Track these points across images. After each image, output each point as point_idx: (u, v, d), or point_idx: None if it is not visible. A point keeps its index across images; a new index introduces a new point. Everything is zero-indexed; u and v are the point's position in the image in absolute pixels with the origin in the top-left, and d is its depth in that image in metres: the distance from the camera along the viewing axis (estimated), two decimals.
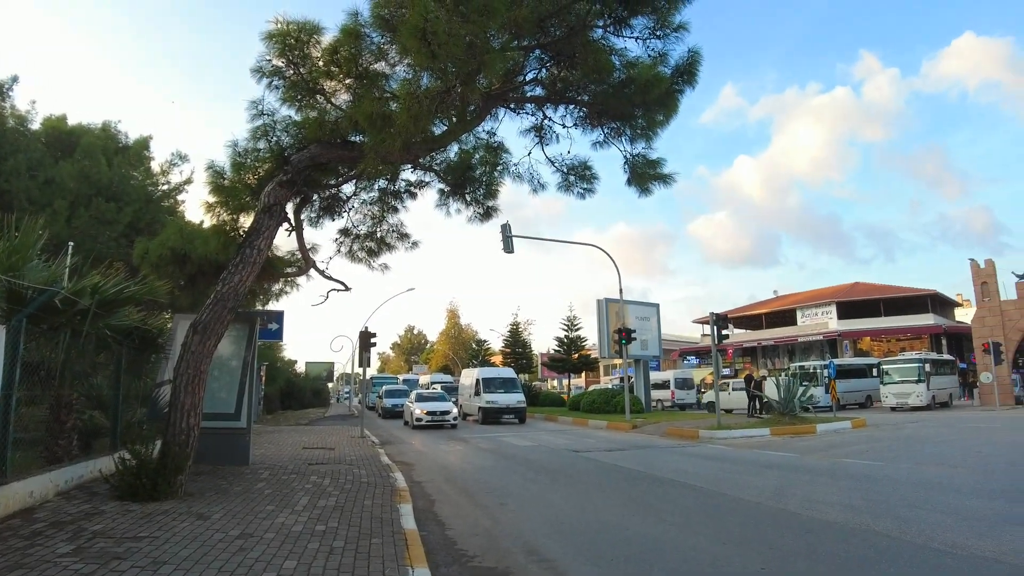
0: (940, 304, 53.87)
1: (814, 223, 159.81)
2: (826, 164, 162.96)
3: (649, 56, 9.36)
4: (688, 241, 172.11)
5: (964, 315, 55.88)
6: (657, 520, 7.18)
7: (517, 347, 50.27)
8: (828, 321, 53.40)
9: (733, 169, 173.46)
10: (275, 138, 9.86)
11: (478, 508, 8.17)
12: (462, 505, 8.43)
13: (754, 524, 6.84)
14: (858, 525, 6.53)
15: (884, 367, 35.48)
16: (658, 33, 9.18)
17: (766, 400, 24.11)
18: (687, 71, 9.36)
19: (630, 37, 9.28)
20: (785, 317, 57.89)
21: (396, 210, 12.52)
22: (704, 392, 36.38)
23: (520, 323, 52.89)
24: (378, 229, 12.57)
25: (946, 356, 41.14)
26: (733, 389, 34.98)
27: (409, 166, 11.23)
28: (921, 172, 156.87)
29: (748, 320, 61.98)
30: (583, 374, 62.15)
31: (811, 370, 36.12)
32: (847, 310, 52.99)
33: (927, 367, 33.88)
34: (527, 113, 10.66)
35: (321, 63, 9.02)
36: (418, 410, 23.99)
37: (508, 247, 22.39)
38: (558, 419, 27.84)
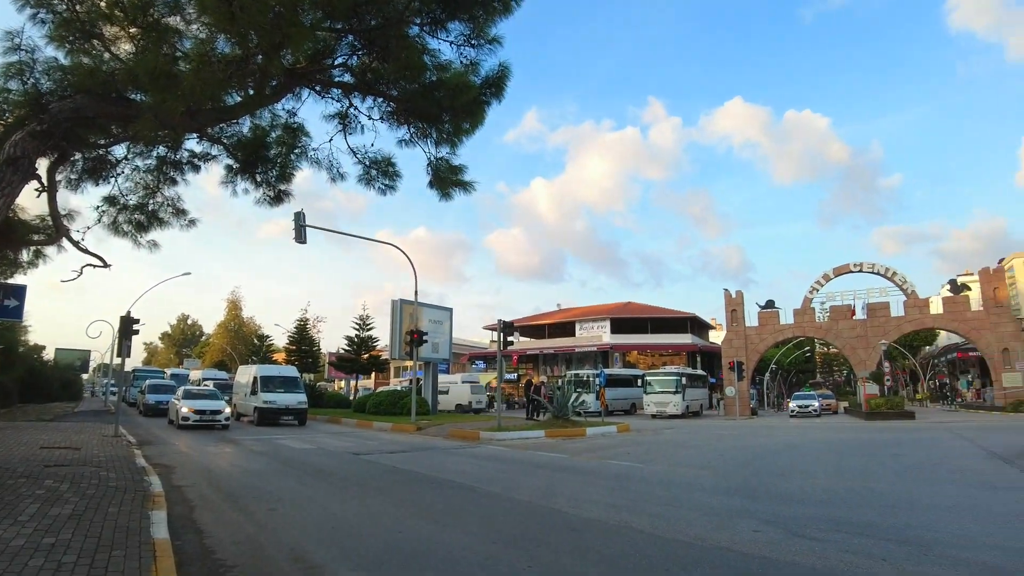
0: (698, 326, 61.06)
1: (596, 246, 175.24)
2: (611, 195, 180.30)
3: (462, 63, 9.41)
4: (484, 252, 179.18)
5: (716, 337, 63.78)
6: (432, 521, 7.17)
7: (303, 344, 48.00)
8: (602, 334, 58.04)
9: (530, 189, 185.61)
10: (32, 80, 8.45)
11: (244, 514, 7.58)
12: (226, 511, 7.78)
13: (525, 523, 7.09)
14: (619, 522, 7.04)
15: (648, 378, 39.29)
16: (473, 42, 9.26)
17: (544, 405, 25.43)
18: (496, 84, 9.55)
19: (446, 41, 9.27)
20: (565, 329, 61.93)
21: (174, 182, 11.30)
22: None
23: (309, 319, 50.75)
24: (151, 201, 11.25)
25: (699, 371, 46.59)
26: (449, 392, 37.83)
27: (195, 135, 10.22)
28: (690, 212, 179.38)
29: (533, 329, 65.32)
30: (372, 375, 61.15)
31: (585, 378, 38.98)
32: (620, 326, 58.03)
33: (683, 380, 38.15)
34: (333, 98, 10.20)
35: (103, 4, 7.89)
36: (185, 408, 21.89)
37: (300, 236, 21.33)
38: (342, 421, 27.03)
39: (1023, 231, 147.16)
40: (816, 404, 39.71)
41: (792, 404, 40.78)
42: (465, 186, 10.55)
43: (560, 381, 39.04)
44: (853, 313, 43.84)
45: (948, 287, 43.53)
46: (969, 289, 42.80)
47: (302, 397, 26.02)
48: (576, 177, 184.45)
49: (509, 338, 21.35)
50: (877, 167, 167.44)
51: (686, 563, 5.41)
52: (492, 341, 62.26)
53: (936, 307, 44.43)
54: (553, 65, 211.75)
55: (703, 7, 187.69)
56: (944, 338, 59.17)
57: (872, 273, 44.43)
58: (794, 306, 45.56)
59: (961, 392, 48.12)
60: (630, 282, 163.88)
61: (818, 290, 45.48)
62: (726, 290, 46.17)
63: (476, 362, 65.91)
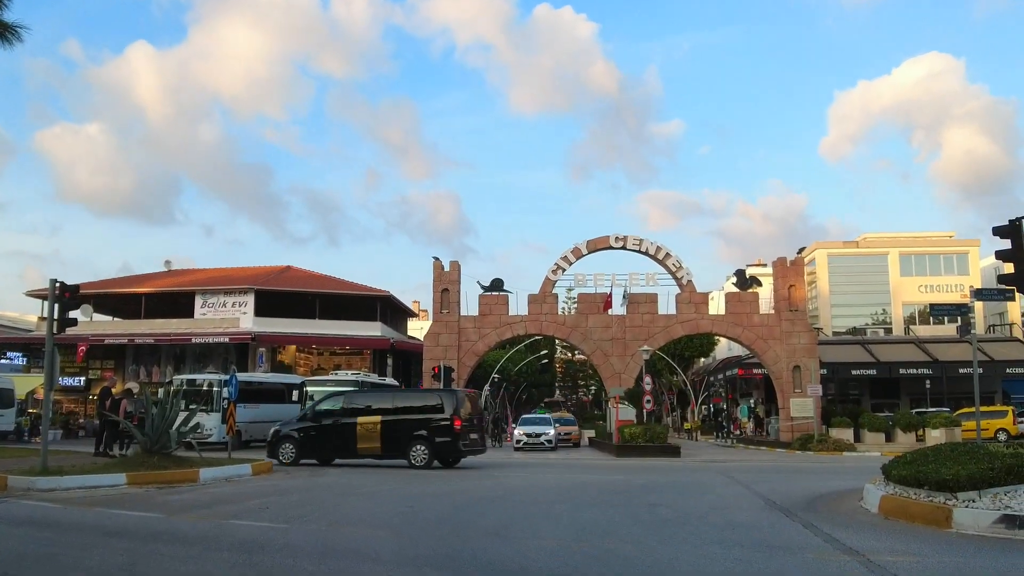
0: (392, 312, 62.97)
1: (236, 171, 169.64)
2: (265, 90, 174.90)
3: None
4: (32, 159, 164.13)
5: (419, 329, 66.26)
6: None
7: None
8: (241, 317, 56.86)
9: (124, 59, 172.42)
10: None
11: None
12: None
13: None
14: None
15: (309, 389, 39.29)
16: None
17: (131, 431, 24.29)
18: None
19: None
20: (178, 304, 59.63)
21: None
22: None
23: None
24: None
25: (389, 380, 48.04)
26: None
27: None
28: (386, 135, 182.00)
29: (119, 301, 62.03)
30: None
31: (205, 387, 37.93)
32: (271, 304, 57.29)
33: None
34: None
35: None
36: None
37: None
38: None
39: (826, 213, 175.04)
40: (551, 432, 43.31)
41: (518, 432, 44.16)
42: (5, 32, 9.60)
43: (161, 392, 37.58)
44: (609, 305, 47.75)
45: (735, 279, 49.76)
46: (760, 284, 48.87)
47: None
48: (205, 51, 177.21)
49: (73, 313, 19.90)
50: (651, 106, 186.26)
51: None
52: (41, 318, 57.76)
53: (718, 306, 50.83)
54: None
55: None
56: (724, 347, 68.52)
57: (639, 252, 48.72)
58: (530, 291, 48.52)
59: (740, 422, 55.93)
60: (290, 235, 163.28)
61: (564, 269, 48.80)
62: (436, 259, 47.52)
63: (8, 354, 60.88)
